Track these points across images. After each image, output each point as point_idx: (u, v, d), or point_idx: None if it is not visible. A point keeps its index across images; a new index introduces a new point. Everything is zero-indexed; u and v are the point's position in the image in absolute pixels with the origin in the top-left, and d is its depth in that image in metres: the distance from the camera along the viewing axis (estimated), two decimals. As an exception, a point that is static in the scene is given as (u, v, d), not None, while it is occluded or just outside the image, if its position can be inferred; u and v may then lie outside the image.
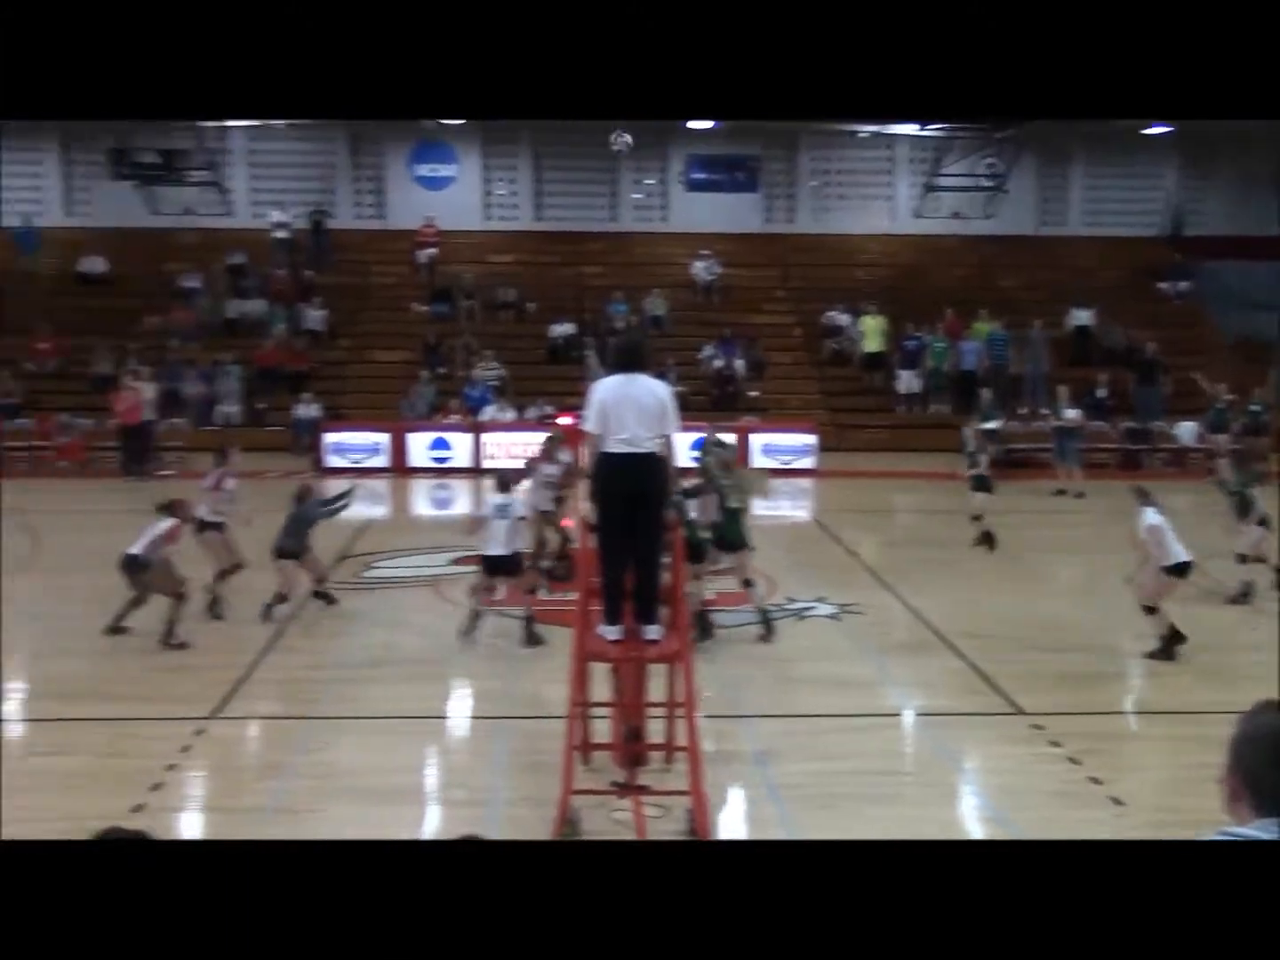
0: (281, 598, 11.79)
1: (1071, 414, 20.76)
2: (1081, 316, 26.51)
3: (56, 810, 7.54)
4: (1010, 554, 15.63)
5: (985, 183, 28.77)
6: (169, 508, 11.39)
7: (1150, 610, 10.85)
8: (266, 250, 28.49)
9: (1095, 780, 8.20)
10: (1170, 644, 10.75)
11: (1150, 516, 10.85)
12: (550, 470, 13.28)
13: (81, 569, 14.13)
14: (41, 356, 25.59)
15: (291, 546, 11.70)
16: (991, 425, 21.64)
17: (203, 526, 11.86)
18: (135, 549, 11.02)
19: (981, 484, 15.59)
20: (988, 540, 15.22)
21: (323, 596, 12.13)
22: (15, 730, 9.63)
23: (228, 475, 12.16)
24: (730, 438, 21.95)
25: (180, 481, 20.12)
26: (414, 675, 10.46)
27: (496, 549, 10.93)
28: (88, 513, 18.29)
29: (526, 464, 13.90)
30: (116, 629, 11.23)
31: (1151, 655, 10.83)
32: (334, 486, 12.75)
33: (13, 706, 10.12)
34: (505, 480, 11.45)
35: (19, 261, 28.00)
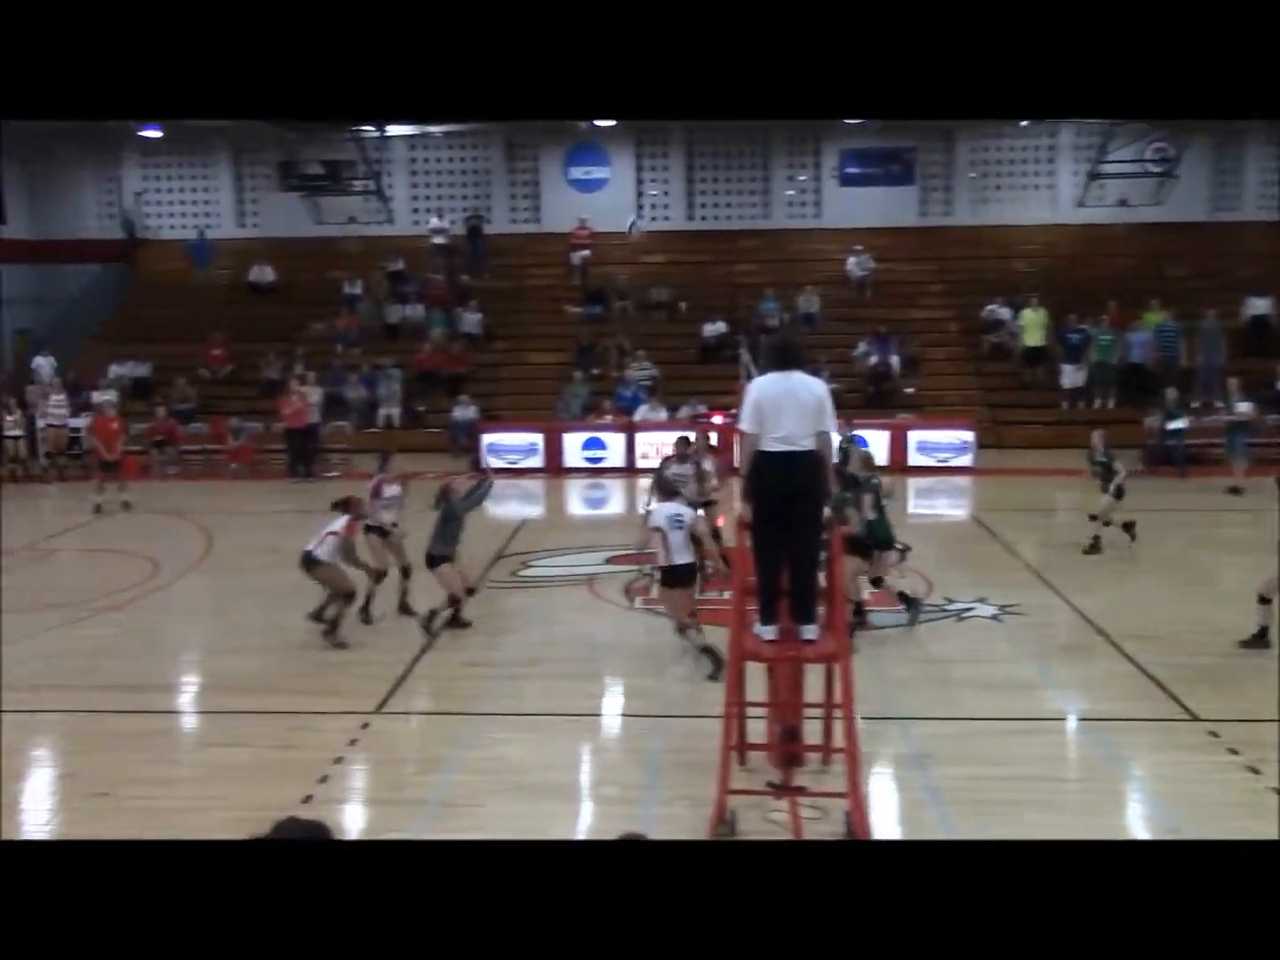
0: (453, 600, 11.63)
1: (1244, 407, 19.84)
2: (1258, 305, 25.31)
3: (229, 800, 7.84)
4: (1181, 553, 15.03)
5: (1154, 168, 27.69)
6: (343, 505, 11.73)
7: (1265, 601, 10.73)
8: (425, 256, 29.20)
9: (1277, 791, 7.80)
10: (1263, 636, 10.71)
11: None
12: (681, 470, 13.22)
13: (251, 568, 14.70)
14: (214, 363, 26.69)
15: (442, 551, 11.54)
16: (1178, 424, 20.86)
17: (366, 530, 12.16)
18: (310, 546, 11.39)
19: (1118, 490, 14.94)
20: (1129, 529, 14.81)
21: (456, 620, 11.78)
22: (191, 722, 10.06)
23: (385, 481, 12.39)
24: (881, 435, 21.73)
25: (344, 482, 20.77)
26: (570, 673, 10.56)
27: (684, 558, 10.36)
28: (257, 513, 19.00)
29: (661, 465, 13.84)
30: (317, 619, 11.64)
31: (1246, 644, 10.75)
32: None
33: (188, 699, 10.57)
34: (669, 488, 11.08)
35: (194, 273, 29.25)
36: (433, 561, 11.52)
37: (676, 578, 10.35)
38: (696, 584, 10.91)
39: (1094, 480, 15.21)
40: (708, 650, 10.06)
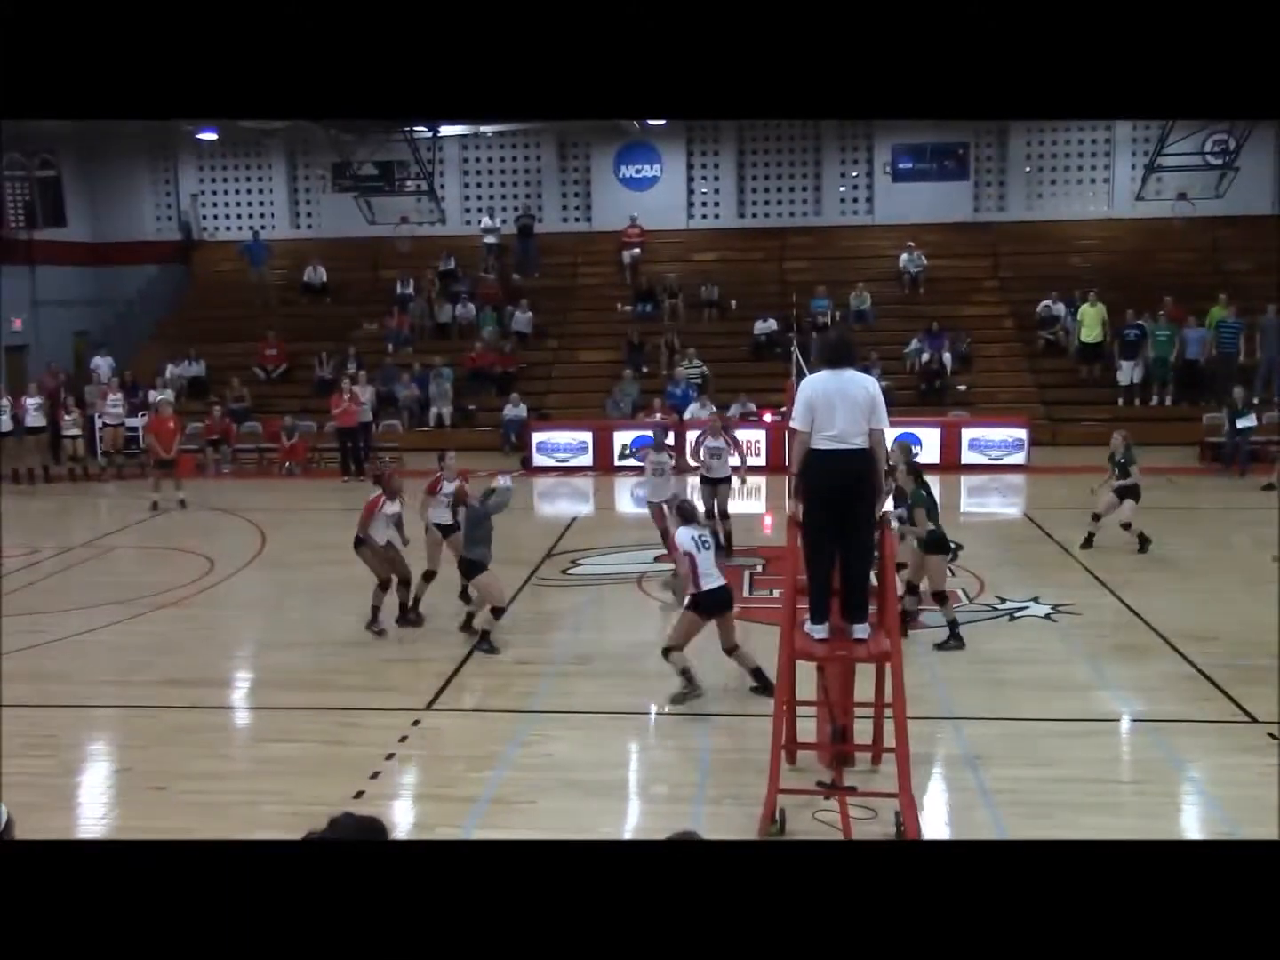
0: (497, 611, 11.34)
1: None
2: (1320, 300, 24.86)
3: (282, 795, 7.92)
4: (1239, 552, 14.79)
5: (1213, 160, 27.20)
6: (377, 479, 12.26)
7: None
8: (476, 256, 29.34)
9: (1339, 794, 7.65)
10: None
11: None
12: (660, 460, 13.69)
13: (303, 565, 14.84)
14: (268, 362, 26.98)
15: (477, 556, 11.13)
16: (1246, 423, 20.53)
17: (426, 527, 12.19)
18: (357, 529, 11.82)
19: (1131, 492, 14.77)
20: (1144, 543, 14.56)
21: (478, 639, 11.31)
22: (245, 717, 10.17)
23: (444, 479, 12.31)
24: (934, 432, 21.61)
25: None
26: (621, 671, 10.56)
27: (714, 581, 9.65)
28: (309, 511, 19.18)
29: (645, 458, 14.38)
30: (408, 618, 11.95)
31: None
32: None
33: (242, 695, 10.69)
34: (688, 513, 10.24)
35: (249, 273, 29.59)
36: (470, 569, 11.19)
37: (711, 604, 9.60)
38: (734, 606, 9.99)
39: (1112, 479, 14.97)
40: (758, 673, 9.64)
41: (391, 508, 11.80)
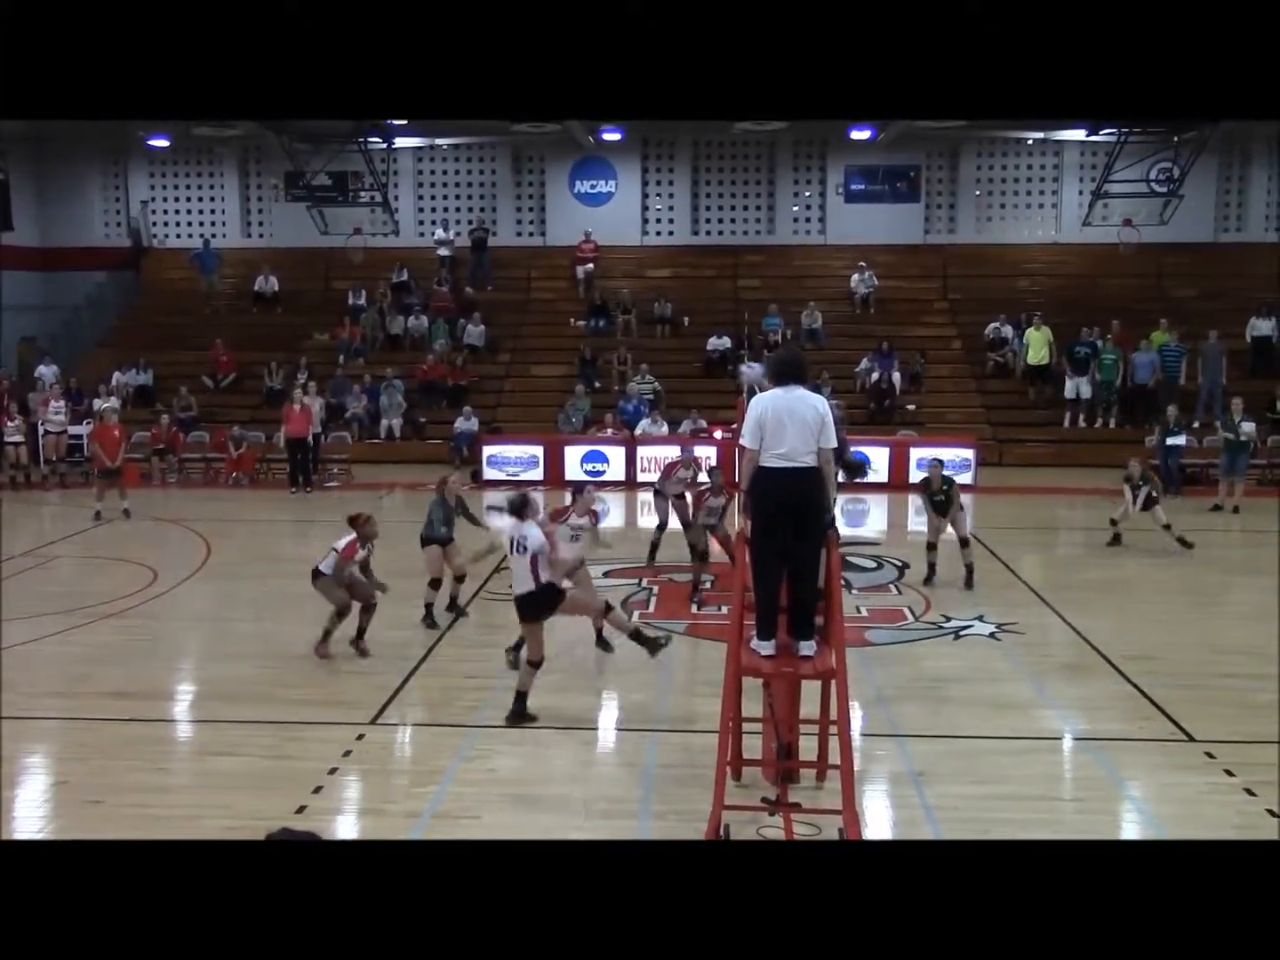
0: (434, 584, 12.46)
1: (1248, 427, 19.85)
2: (1262, 327, 25.38)
3: (223, 809, 7.82)
4: (1179, 574, 15.01)
5: (1159, 188, 27.69)
6: (353, 521, 11.44)
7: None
8: (430, 268, 29.27)
9: (1273, 813, 7.78)
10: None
11: None
12: (579, 524, 11.57)
13: (250, 577, 14.70)
14: (220, 369, 26.73)
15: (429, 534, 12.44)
16: (1176, 441, 20.87)
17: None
18: (319, 562, 11.28)
19: (1155, 501, 15.99)
20: (1183, 542, 15.78)
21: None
22: (187, 730, 10.04)
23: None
24: (883, 451, 21.80)
25: (345, 493, 20.80)
26: (567, 686, 10.53)
27: (521, 587, 9.49)
28: (256, 521, 19.00)
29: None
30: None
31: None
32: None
33: (185, 707, 10.55)
34: (517, 506, 9.68)
35: (199, 282, 29.33)
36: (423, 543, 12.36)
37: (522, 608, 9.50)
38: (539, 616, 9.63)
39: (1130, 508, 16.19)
40: (520, 698, 9.50)
41: (362, 553, 11.45)
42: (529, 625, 9.55)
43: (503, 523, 9.92)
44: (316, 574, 11.29)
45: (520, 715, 9.45)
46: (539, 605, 9.47)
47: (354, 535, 11.35)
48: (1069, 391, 24.70)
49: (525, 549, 9.37)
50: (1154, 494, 16.10)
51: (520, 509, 9.57)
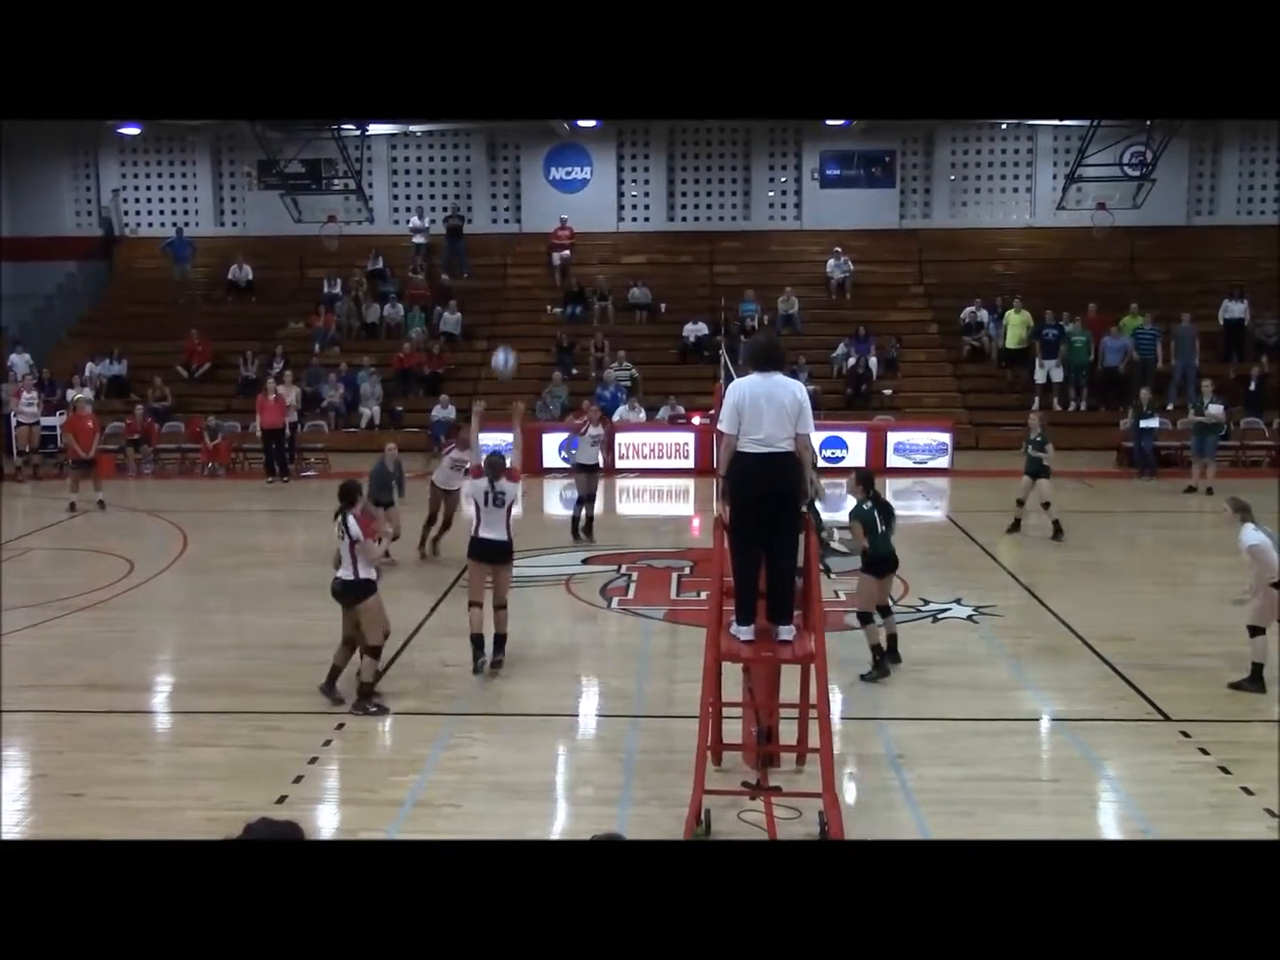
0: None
1: (1215, 409, 19.96)
2: (1234, 309, 25.52)
3: (203, 800, 7.81)
4: (1153, 555, 15.13)
5: (1132, 172, 27.81)
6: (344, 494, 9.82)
7: (1256, 632, 9.81)
8: (405, 255, 29.14)
9: (1247, 790, 7.87)
10: (1260, 673, 9.77)
11: (1249, 534, 9.84)
12: (460, 457, 13.92)
13: (226, 567, 14.64)
14: (195, 359, 26.57)
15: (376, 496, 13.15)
16: (1149, 424, 20.99)
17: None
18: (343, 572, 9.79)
19: (1044, 472, 15.81)
20: (1058, 531, 15.62)
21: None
22: (165, 722, 10.00)
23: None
24: (859, 435, 21.89)
25: (321, 482, 20.72)
26: (547, 673, 10.55)
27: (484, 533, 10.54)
28: (233, 512, 18.91)
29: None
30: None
31: (1238, 686, 9.79)
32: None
33: (163, 699, 10.51)
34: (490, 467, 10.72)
35: (172, 271, 29.12)
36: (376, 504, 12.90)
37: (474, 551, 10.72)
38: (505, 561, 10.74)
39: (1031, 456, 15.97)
40: (500, 641, 10.61)
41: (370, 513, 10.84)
42: (497, 567, 10.57)
43: (473, 485, 10.96)
44: (362, 584, 9.69)
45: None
46: (510, 553, 10.59)
47: (352, 513, 9.66)
48: (1039, 377, 24.82)
49: (502, 502, 10.42)
50: (1046, 463, 15.61)
51: (494, 469, 10.65)
